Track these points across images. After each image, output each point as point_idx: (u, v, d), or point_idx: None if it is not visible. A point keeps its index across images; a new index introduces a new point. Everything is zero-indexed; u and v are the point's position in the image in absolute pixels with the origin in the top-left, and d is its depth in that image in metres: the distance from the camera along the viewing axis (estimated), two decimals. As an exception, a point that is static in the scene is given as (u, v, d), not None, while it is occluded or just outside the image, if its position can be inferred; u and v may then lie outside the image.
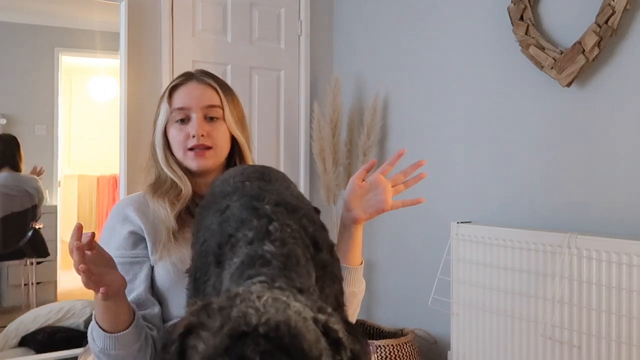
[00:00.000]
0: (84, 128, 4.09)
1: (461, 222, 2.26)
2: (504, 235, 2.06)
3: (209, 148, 1.30)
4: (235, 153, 1.37)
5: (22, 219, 3.26)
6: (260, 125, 3.02)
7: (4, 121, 3.29)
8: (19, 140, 3.29)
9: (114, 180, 3.88)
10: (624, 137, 1.88)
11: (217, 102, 1.32)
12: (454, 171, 2.49)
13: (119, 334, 1.11)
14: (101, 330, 1.10)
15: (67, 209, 3.98)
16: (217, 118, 1.32)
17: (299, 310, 0.62)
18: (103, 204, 4.15)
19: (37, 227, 3.31)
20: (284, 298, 0.64)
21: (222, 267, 0.79)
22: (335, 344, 0.63)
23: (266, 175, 1.03)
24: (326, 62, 3.22)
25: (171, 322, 1.16)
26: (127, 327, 1.12)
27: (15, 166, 3.26)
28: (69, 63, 3.68)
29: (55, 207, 3.52)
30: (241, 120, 1.37)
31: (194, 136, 1.28)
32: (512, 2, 2.16)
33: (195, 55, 2.83)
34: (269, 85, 3.06)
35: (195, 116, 1.29)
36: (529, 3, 2.11)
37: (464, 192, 2.44)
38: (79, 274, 1.01)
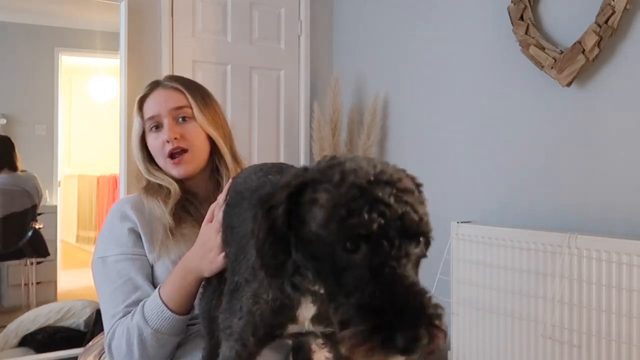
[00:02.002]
0: (84, 128, 4.10)
1: (461, 222, 2.26)
2: (504, 235, 2.06)
3: (185, 151, 1.30)
4: (215, 151, 1.37)
5: (22, 219, 3.27)
6: (260, 125, 3.02)
7: (4, 121, 3.29)
8: (17, 140, 3.29)
9: (114, 180, 3.89)
10: (624, 137, 1.88)
11: (183, 102, 1.33)
12: (453, 171, 2.49)
13: (182, 316, 1.15)
14: (168, 310, 1.13)
15: (67, 209, 3.98)
16: (187, 118, 1.32)
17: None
18: (103, 204, 4.16)
19: (37, 227, 3.31)
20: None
21: None
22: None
23: (286, 169, 1.06)
24: (326, 62, 3.22)
25: None
26: (188, 313, 1.17)
27: (13, 166, 3.26)
28: (69, 63, 3.68)
29: (55, 207, 3.52)
30: (213, 118, 1.36)
31: (168, 141, 1.29)
32: (512, 2, 2.16)
33: (195, 55, 2.83)
34: (269, 85, 3.06)
35: (166, 121, 1.31)
36: (529, 3, 2.11)
37: (464, 191, 2.44)
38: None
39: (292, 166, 1.10)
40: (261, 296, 0.80)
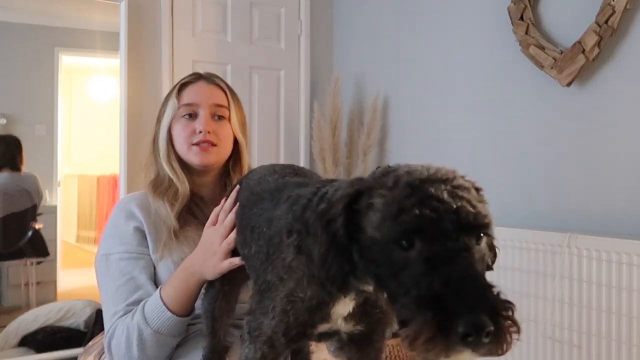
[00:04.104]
0: (84, 128, 4.10)
1: (461, 222, 2.26)
2: (504, 235, 2.06)
3: (214, 145, 1.31)
4: (233, 156, 1.38)
5: (22, 219, 3.27)
6: (260, 125, 3.02)
7: (4, 121, 3.29)
8: (20, 140, 3.29)
9: (114, 180, 3.89)
10: (624, 137, 1.88)
11: (224, 102, 1.34)
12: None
13: (183, 318, 1.15)
14: (168, 311, 1.14)
15: (67, 209, 3.98)
16: (223, 118, 1.34)
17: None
18: (103, 204, 4.16)
19: (37, 227, 3.31)
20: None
21: (306, 222, 0.80)
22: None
23: (298, 170, 1.07)
24: (326, 62, 3.22)
25: None
26: (189, 314, 1.18)
27: (15, 166, 3.26)
28: (69, 63, 3.68)
29: (55, 207, 3.52)
30: (243, 124, 1.40)
31: (200, 132, 1.29)
32: (512, 2, 2.16)
33: (195, 55, 2.83)
34: (269, 85, 3.06)
35: (203, 113, 1.31)
36: (529, 3, 2.11)
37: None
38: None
39: (303, 168, 1.11)
40: (297, 295, 0.80)
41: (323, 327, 0.84)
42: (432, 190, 0.62)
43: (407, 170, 0.67)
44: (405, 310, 0.60)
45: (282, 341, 0.83)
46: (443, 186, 0.63)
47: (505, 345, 0.56)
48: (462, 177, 0.68)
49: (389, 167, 0.71)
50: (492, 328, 0.54)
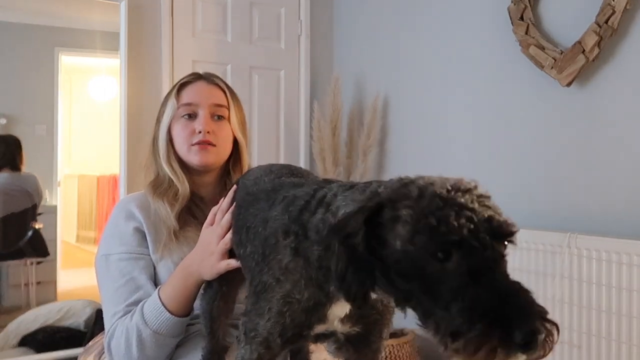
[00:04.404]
0: (84, 128, 4.09)
1: (461, 222, 2.26)
2: (504, 235, 2.06)
3: (213, 145, 1.31)
4: (233, 156, 1.38)
5: (22, 219, 3.27)
6: (260, 125, 3.02)
7: (4, 121, 3.29)
8: (20, 140, 3.29)
9: (114, 180, 3.88)
10: (624, 137, 1.88)
11: (224, 102, 1.34)
12: (453, 171, 2.47)
13: (182, 318, 1.15)
14: (167, 312, 1.14)
15: (67, 209, 3.98)
16: (223, 118, 1.33)
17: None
18: (103, 204, 4.16)
19: (37, 227, 3.31)
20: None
21: (304, 225, 0.79)
22: None
23: (295, 170, 1.06)
24: (326, 62, 3.22)
25: None
26: (188, 315, 1.17)
27: (15, 166, 3.26)
28: (69, 63, 3.68)
29: (55, 207, 3.52)
30: (243, 124, 1.39)
31: (199, 132, 1.29)
32: (512, 2, 2.16)
33: (195, 55, 2.83)
34: (269, 85, 3.06)
35: (202, 113, 1.31)
36: (529, 3, 2.11)
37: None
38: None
39: (300, 168, 1.10)
40: (294, 297, 0.79)
41: (319, 329, 0.84)
42: (463, 201, 0.62)
43: (427, 181, 0.65)
44: (450, 323, 0.59)
45: (278, 342, 0.83)
46: (469, 196, 0.63)
47: (550, 348, 0.59)
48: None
49: (402, 178, 0.69)
50: (545, 333, 0.57)
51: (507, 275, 0.61)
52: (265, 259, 0.84)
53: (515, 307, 0.58)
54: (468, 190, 0.64)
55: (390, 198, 0.66)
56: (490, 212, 0.63)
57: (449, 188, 0.64)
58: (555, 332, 0.58)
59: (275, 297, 0.81)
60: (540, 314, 0.58)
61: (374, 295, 0.73)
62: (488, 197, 0.65)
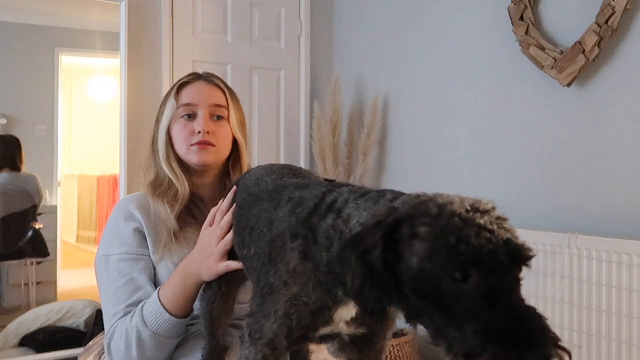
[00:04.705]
0: (84, 128, 4.09)
1: (461, 222, 2.25)
2: (504, 235, 2.06)
3: (212, 145, 1.30)
4: (232, 156, 1.38)
5: (22, 219, 3.26)
6: (260, 125, 3.02)
7: (4, 121, 3.29)
8: (20, 140, 3.29)
9: (114, 180, 3.88)
10: (624, 137, 1.87)
11: (223, 102, 1.34)
12: (453, 171, 2.49)
13: (181, 319, 1.15)
14: (166, 313, 1.14)
15: (67, 209, 3.97)
16: (222, 118, 1.33)
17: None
18: (103, 204, 4.15)
19: (37, 227, 3.31)
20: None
21: (313, 229, 0.79)
22: None
23: (296, 171, 1.06)
24: (326, 62, 3.22)
25: None
26: (188, 316, 1.17)
27: (15, 166, 3.26)
28: (69, 63, 3.67)
29: (55, 207, 3.51)
30: (243, 124, 1.39)
31: (199, 132, 1.29)
32: (512, 2, 2.16)
33: (195, 55, 2.83)
34: (269, 85, 3.06)
35: (201, 113, 1.31)
36: (529, 3, 2.11)
37: (463, 191, 2.42)
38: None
39: (300, 168, 1.10)
40: (301, 299, 0.79)
41: (325, 330, 0.84)
42: (482, 222, 0.62)
43: (446, 199, 0.66)
44: (465, 343, 0.59)
45: (284, 343, 0.83)
46: (488, 217, 0.63)
47: None
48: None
49: (419, 195, 0.69)
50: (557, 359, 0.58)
51: (522, 300, 0.61)
52: (272, 261, 0.84)
53: (530, 332, 0.58)
54: (486, 212, 0.64)
55: (408, 214, 0.65)
56: (508, 235, 0.63)
57: (468, 208, 0.64)
58: (567, 359, 0.59)
59: (282, 299, 0.81)
60: (554, 339, 0.58)
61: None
62: (506, 220, 0.65)
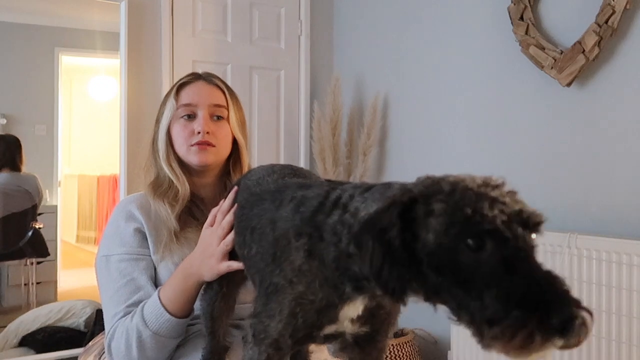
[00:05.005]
0: (84, 128, 4.09)
1: (461, 222, 2.26)
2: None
3: (212, 146, 1.30)
4: (232, 156, 1.38)
5: (22, 219, 3.26)
6: (260, 125, 3.02)
7: (4, 121, 3.29)
8: (20, 140, 3.29)
9: (114, 180, 3.88)
10: (624, 137, 1.88)
11: (223, 102, 1.34)
12: (453, 171, 2.48)
13: (182, 319, 1.15)
14: (167, 313, 1.13)
15: (67, 209, 3.97)
16: (222, 118, 1.33)
17: None
18: (103, 204, 4.15)
19: (37, 227, 3.31)
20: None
21: (319, 226, 0.79)
22: None
23: (297, 171, 1.06)
24: (326, 62, 3.22)
25: None
26: (188, 316, 1.17)
27: (15, 166, 3.26)
28: (69, 63, 3.67)
29: (55, 207, 3.51)
30: (243, 124, 1.39)
31: (199, 132, 1.29)
32: (512, 2, 2.16)
33: (195, 55, 2.83)
34: (269, 85, 3.06)
35: (201, 113, 1.30)
36: (529, 3, 2.11)
37: (464, 192, 2.44)
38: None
39: (301, 168, 1.10)
40: (307, 298, 0.79)
41: (329, 329, 0.84)
42: (494, 194, 0.64)
43: (457, 178, 0.68)
44: (486, 311, 0.60)
45: (289, 343, 0.83)
46: (499, 191, 0.65)
47: (585, 337, 0.59)
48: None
49: (429, 177, 0.70)
50: (581, 319, 0.57)
51: (539, 264, 0.62)
52: (276, 260, 0.84)
53: (551, 294, 0.58)
54: (497, 186, 0.66)
55: (422, 193, 0.67)
56: (520, 205, 0.65)
57: (480, 183, 0.66)
58: (590, 320, 0.59)
59: (287, 299, 0.80)
60: (575, 300, 0.59)
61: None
62: (516, 193, 0.67)
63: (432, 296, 0.67)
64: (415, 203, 0.66)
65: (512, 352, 0.58)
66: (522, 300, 0.58)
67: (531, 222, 0.65)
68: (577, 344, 0.59)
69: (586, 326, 0.58)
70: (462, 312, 0.63)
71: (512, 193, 0.67)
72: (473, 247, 0.61)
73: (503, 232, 0.62)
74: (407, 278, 0.66)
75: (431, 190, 0.67)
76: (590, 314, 0.60)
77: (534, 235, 0.65)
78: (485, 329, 0.60)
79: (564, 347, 0.59)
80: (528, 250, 0.63)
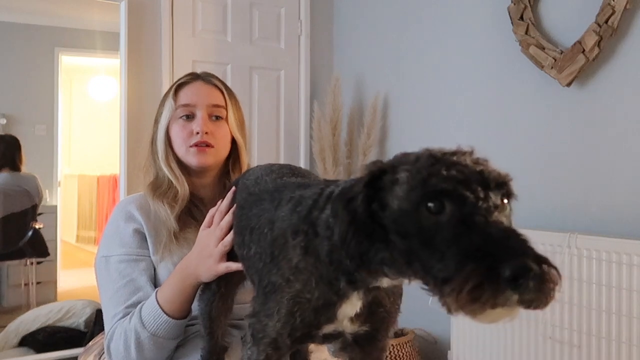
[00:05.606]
0: (84, 128, 4.09)
1: (461, 222, 2.26)
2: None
3: (211, 146, 1.30)
4: (232, 155, 1.38)
5: (22, 219, 3.26)
6: (260, 125, 3.02)
7: (4, 121, 3.29)
8: (20, 140, 3.29)
9: (114, 180, 3.88)
10: (624, 137, 1.88)
11: (222, 102, 1.33)
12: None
13: (179, 320, 1.15)
14: (164, 314, 1.13)
15: (67, 209, 3.98)
16: (221, 118, 1.33)
17: None
18: (103, 204, 4.15)
19: (37, 227, 3.31)
20: None
21: (313, 223, 0.80)
22: None
23: (296, 170, 1.06)
24: (326, 62, 3.22)
25: None
26: (186, 317, 1.17)
27: (15, 166, 3.26)
28: (69, 63, 3.67)
29: (55, 207, 3.51)
30: (241, 124, 1.38)
31: (197, 133, 1.28)
32: (512, 2, 2.16)
33: (195, 55, 2.83)
34: (269, 85, 3.06)
35: (200, 114, 1.30)
36: (529, 3, 2.11)
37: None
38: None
39: (300, 168, 1.10)
40: (304, 296, 0.79)
41: (328, 328, 0.83)
42: (455, 158, 0.65)
43: (421, 150, 0.69)
44: (446, 269, 0.58)
45: (287, 343, 0.83)
46: (464, 157, 0.66)
47: (549, 294, 0.56)
48: None
49: (405, 152, 0.72)
50: (538, 271, 0.54)
51: (501, 222, 0.60)
52: (274, 260, 0.84)
53: (506, 247, 0.56)
54: (464, 153, 0.67)
55: (391, 164, 0.69)
56: (482, 167, 0.64)
57: (445, 151, 0.67)
58: (554, 274, 0.56)
59: (285, 298, 0.80)
60: (535, 255, 0.56)
61: (384, 282, 0.74)
62: (486, 160, 0.67)
63: (405, 268, 0.66)
64: (385, 174, 0.68)
65: (468, 309, 0.56)
66: (475, 254, 0.56)
67: (493, 182, 0.63)
68: (539, 302, 0.56)
69: (548, 282, 0.55)
70: (429, 278, 0.62)
71: (479, 159, 0.67)
72: (433, 210, 0.61)
73: (461, 192, 0.61)
74: (366, 246, 0.67)
75: (399, 161, 0.68)
76: (555, 269, 0.56)
77: (500, 197, 0.64)
78: (442, 289, 0.58)
79: (525, 305, 0.55)
80: (489, 210, 0.61)
